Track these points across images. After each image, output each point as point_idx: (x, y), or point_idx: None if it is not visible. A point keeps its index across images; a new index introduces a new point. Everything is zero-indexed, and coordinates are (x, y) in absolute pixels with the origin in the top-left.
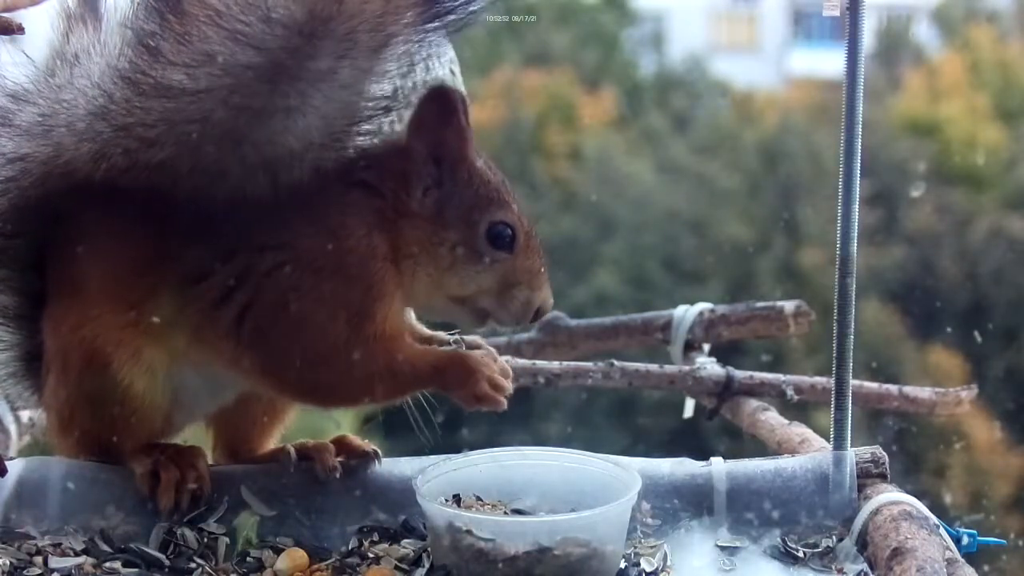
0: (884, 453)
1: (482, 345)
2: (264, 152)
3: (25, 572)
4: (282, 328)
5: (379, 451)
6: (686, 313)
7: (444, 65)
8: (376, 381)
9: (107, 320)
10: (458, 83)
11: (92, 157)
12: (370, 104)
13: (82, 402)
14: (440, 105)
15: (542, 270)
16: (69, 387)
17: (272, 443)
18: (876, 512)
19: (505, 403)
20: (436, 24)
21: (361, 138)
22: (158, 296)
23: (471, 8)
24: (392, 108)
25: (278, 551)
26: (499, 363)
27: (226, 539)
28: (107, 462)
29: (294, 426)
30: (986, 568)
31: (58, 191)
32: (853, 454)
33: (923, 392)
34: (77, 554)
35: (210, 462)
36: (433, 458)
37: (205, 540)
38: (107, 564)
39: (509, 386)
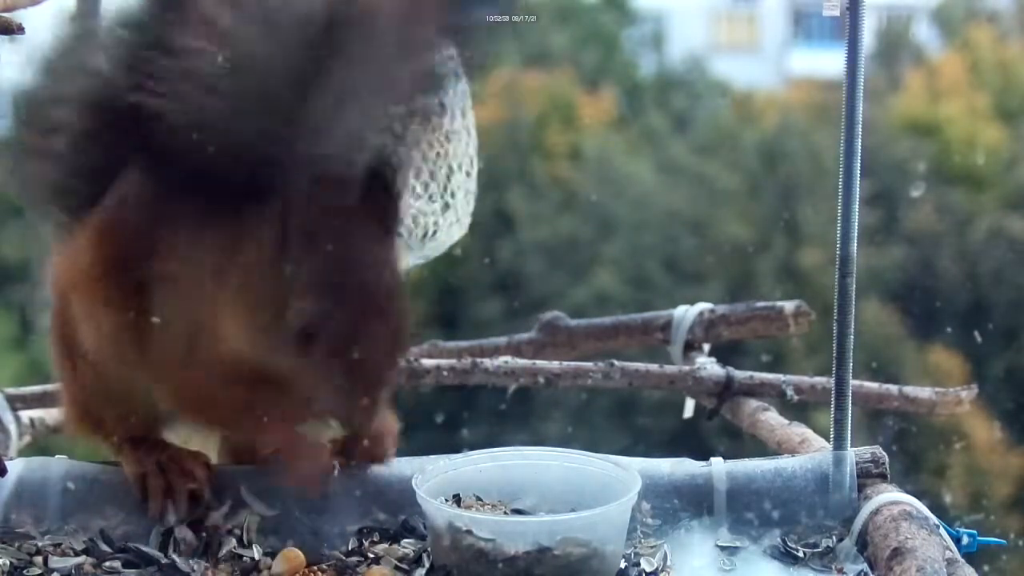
0: (884, 453)
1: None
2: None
3: (25, 572)
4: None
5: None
6: (686, 313)
7: (446, 63)
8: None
9: (73, 262)
10: (462, 81)
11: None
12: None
13: (62, 343)
14: (299, 176)
15: (359, 384)
16: (53, 325)
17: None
18: (876, 512)
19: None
20: (457, 36)
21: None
22: (108, 267)
23: (486, 18)
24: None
25: (275, 552)
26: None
27: (226, 539)
28: (102, 432)
29: None
30: (986, 568)
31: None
32: (853, 454)
33: (923, 392)
34: (77, 554)
35: (214, 462)
36: (433, 458)
37: (205, 540)
38: (107, 564)
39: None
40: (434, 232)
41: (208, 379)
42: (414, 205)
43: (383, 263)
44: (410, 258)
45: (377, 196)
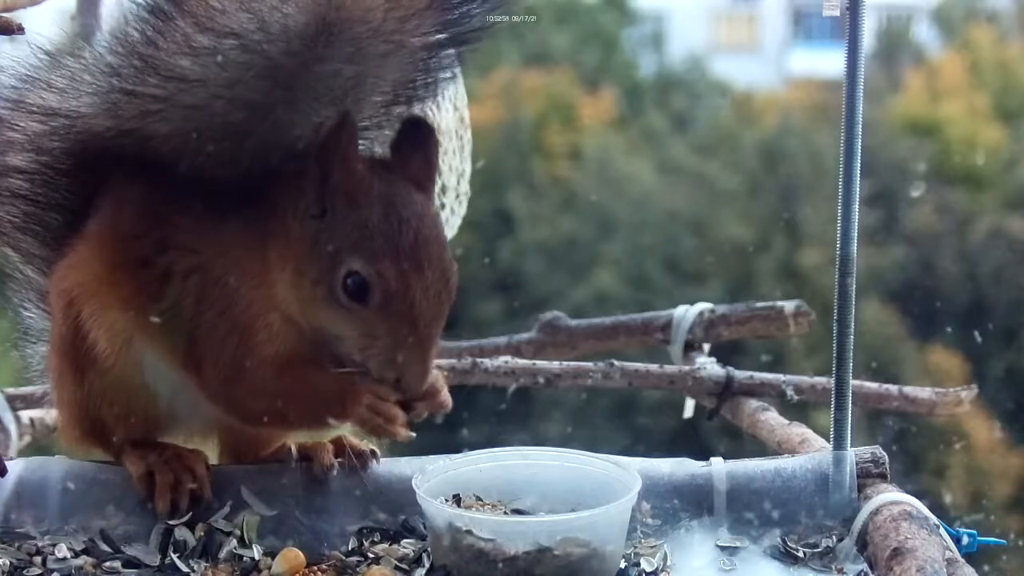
0: (884, 453)
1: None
2: (267, 141)
3: (25, 572)
4: (199, 335)
5: (377, 450)
6: (686, 313)
7: None
8: (275, 400)
9: (85, 271)
10: (459, 83)
11: (106, 115)
12: (379, 101)
13: (67, 363)
14: (340, 136)
15: (410, 341)
16: (56, 347)
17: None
18: (876, 512)
19: (398, 433)
20: (445, 35)
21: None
22: (119, 271)
23: (477, 19)
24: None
25: (275, 552)
26: (432, 398)
27: (226, 540)
28: (103, 443)
29: None
30: (986, 568)
31: (85, 148)
32: (853, 454)
33: (923, 392)
34: (77, 554)
35: (214, 462)
36: (433, 458)
37: (204, 541)
38: (107, 564)
39: (394, 415)
40: None
41: (263, 367)
42: None
43: (425, 217)
44: None
45: (411, 155)
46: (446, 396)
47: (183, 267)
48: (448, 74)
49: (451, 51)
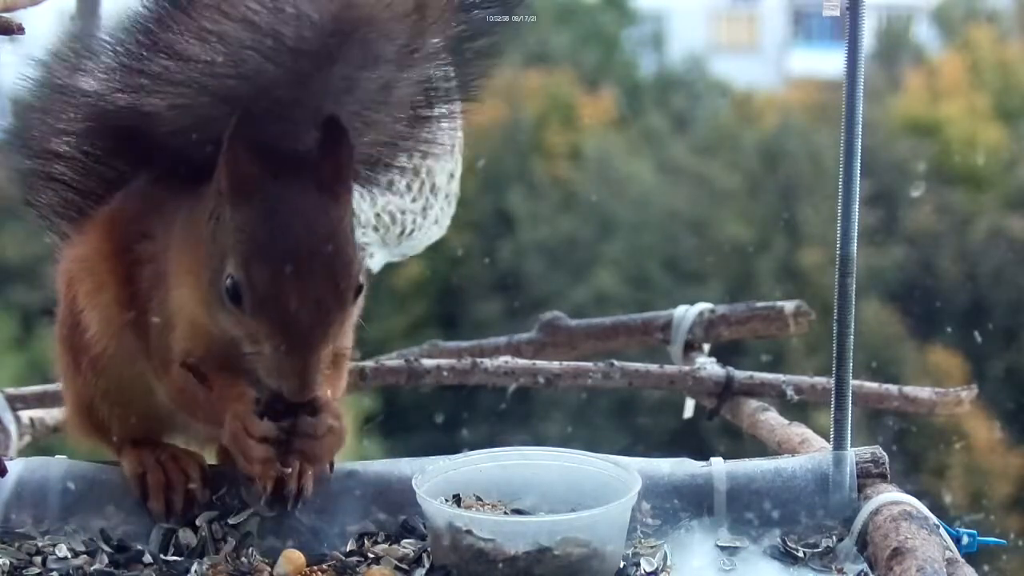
0: (884, 453)
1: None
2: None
3: (25, 572)
4: (144, 321)
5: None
6: (686, 313)
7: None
8: (184, 400)
9: (80, 249)
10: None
11: (110, 90)
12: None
13: (65, 345)
14: (233, 136)
15: (283, 350)
16: (57, 330)
17: None
18: (876, 512)
19: (250, 470)
20: (462, 45)
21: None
22: (112, 256)
23: (495, 34)
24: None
25: (276, 552)
26: (312, 437)
27: (225, 540)
28: (103, 433)
29: None
30: (986, 568)
31: (107, 129)
32: (853, 454)
33: (923, 392)
34: (77, 554)
35: (212, 462)
36: (433, 458)
37: (204, 541)
38: (107, 564)
39: (256, 455)
40: (411, 231)
41: (174, 366)
42: (394, 202)
43: (314, 222)
44: (385, 254)
45: (322, 157)
46: (333, 446)
47: (146, 255)
48: (475, 72)
49: (471, 50)
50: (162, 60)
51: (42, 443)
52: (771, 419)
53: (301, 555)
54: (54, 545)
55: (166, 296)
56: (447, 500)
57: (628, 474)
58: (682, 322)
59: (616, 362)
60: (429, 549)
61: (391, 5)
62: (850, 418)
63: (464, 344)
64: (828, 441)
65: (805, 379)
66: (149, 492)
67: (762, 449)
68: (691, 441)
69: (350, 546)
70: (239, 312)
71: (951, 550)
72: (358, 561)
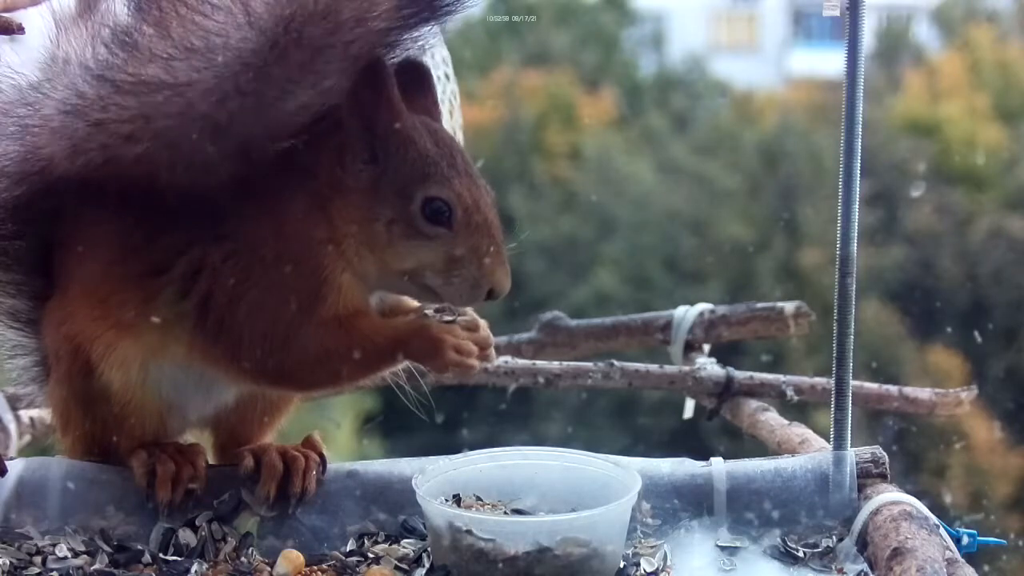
0: (884, 453)
1: (467, 313)
2: (250, 140)
3: (25, 572)
4: (240, 317)
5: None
6: (686, 313)
7: (437, 66)
8: (338, 361)
9: (83, 315)
10: (451, 82)
11: (68, 154)
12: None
13: (75, 400)
14: (372, 79)
15: (492, 249)
16: (63, 385)
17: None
18: (876, 512)
19: (476, 365)
20: (416, 28)
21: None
22: (126, 290)
23: (447, 10)
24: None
25: (276, 552)
26: (479, 331)
27: (225, 540)
28: (109, 462)
29: (291, 426)
30: (986, 568)
31: (41, 190)
32: (853, 454)
33: (923, 392)
34: (77, 554)
35: (211, 462)
36: (433, 458)
37: (204, 541)
38: (107, 564)
39: (474, 349)
40: None
41: (327, 329)
42: None
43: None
44: None
45: (416, 96)
46: (487, 335)
47: (217, 257)
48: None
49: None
50: (124, 99)
51: (42, 443)
52: (771, 419)
53: (301, 555)
54: (54, 545)
55: (290, 274)
56: (447, 500)
57: (628, 474)
58: (682, 322)
59: (616, 362)
60: (429, 549)
61: None
62: (850, 418)
63: None
64: (828, 441)
65: (805, 379)
66: (157, 482)
67: (762, 449)
68: (691, 441)
69: (350, 546)
70: (441, 231)
71: (951, 550)
72: (358, 561)
